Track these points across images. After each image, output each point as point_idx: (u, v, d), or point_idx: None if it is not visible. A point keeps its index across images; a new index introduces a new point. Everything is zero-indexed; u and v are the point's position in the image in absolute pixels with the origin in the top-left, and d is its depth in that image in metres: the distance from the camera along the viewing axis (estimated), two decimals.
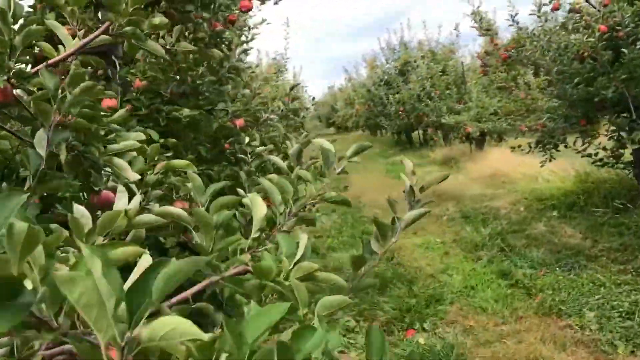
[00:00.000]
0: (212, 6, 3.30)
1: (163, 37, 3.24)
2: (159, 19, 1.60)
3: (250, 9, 3.56)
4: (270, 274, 0.95)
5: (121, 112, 1.75)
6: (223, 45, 3.63)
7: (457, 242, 5.88)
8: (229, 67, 3.37)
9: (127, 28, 1.53)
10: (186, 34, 3.38)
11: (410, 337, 3.76)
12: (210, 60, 3.39)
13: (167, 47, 1.72)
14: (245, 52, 3.51)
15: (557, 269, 4.61)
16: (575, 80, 5.23)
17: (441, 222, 6.93)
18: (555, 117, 6.05)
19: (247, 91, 3.69)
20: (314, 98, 8.53)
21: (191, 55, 3.25)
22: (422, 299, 4.33)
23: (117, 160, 1.53)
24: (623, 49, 4.89)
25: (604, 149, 5.74)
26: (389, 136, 20.76)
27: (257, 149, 2.13)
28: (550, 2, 5.45)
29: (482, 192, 8.33)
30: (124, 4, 1.43)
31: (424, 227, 6.77)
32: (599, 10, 5.20)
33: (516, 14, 5.88)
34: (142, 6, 1.55)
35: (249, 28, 5.05)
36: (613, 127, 5.50)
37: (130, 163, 1.67)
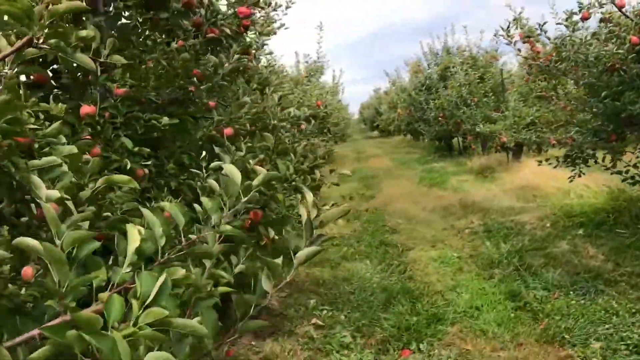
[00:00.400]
0: (206, 13, 3.26)
1: (164, 46, 3.23)
2: (86, 31, 1.55)
3: (248, 15, 3.51)
4: (94, 324, 0.86)
5: (55, 125, 1.71)
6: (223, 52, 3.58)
7: (474, 257, 5.67)
8: (223, 74, 3.32)
9: (52, 41, 1.48)
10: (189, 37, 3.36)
11: (404, 357, 3.63)
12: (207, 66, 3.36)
13: (104, 59, 1.67)
14: (242, 58, 3.44)
15: (572, 292, 4.37)
16: (603, 94, 4.97)
17: (462, 235, 6.71)
18: (584, 131, 5.76)
19: (247, 98, 3.62)
20: (326, 106, 8.45)
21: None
22: (424, 317, 4.18)
23: (33, 177, 1.49)
24: None
25: (635, 166, 5.44)
26: (429, 142, 20.40)
27: (213, 164, 2.06)
28: (580, 11, 5.18)
29: (511, 205, 8.05)
30: (37, 18, 1.38)
31: (444, 239, 6.59)
32: (632, 20, 4.93)
33: (544, 23, 5.62)
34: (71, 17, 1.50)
35: (259, 33, 5.01)
36: None
37: (57, 178, 1.63)
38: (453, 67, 13.50)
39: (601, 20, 5.20)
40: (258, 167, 2.87)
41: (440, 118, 15.45)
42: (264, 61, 7.04)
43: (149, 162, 2.73)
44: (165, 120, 2.73)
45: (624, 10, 5.03)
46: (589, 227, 6.07)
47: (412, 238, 6.83)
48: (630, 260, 4.81)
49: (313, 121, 4.99)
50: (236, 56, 3.40)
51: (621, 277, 4.50)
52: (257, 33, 6.83)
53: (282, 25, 7.04)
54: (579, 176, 6.15)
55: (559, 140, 6.46)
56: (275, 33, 7.49)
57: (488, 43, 15.80)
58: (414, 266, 5.63)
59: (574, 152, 6.02)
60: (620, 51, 4.76)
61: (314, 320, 4.40)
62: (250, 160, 2.85)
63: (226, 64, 3.34)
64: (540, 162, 6.36)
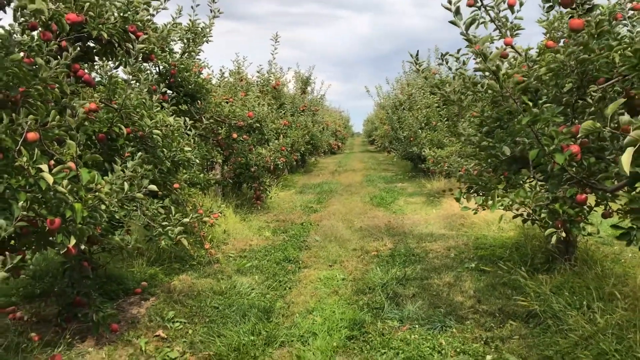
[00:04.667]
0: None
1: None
2: None
3: (33, 27, 3.50)
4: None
5: None
6: None
7: (357, 281, 5.63)
8: (41, 77, 3.32)
9: None
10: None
11: None
12: None
13: None
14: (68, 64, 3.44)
15: (421, 326, 4.32)
16: (484, 129, 4.95)
17: (365, 257, 6.67)
18: (484, 164, 5.73)
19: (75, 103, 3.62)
20: (259, 119, 8.59)
21: None
22: (262, 337, 4.14)
23: None
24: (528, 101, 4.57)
25: (523, 204, 5.38)
26: (405, 162, 20.34)
27: None
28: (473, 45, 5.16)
29: (433, 232, 8.01)
30: None
31: (345, 260, 6.55)
32: (520, 55, 4.91)
33: (446, 53, 5.60)
34: None
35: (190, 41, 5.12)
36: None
37: None
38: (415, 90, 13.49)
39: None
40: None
41: (411, 139, 15.43)
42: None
43: None
44: None
45: (514, 47, 5.01)
46: (483, 261, 6.03)
47: (317, 256, 6.79)
48: (494, 299, 4.76)
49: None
50: (63, 62, 3.40)
51: (473, 315, 4.45)
52: (188, 41, 6.83)
53: (206, 33, 7.10)
54: (483, 209, 6.10)
55: (467, 171, 6.41)
56: (207, 41, 7.53)
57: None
58: (296, 285, 5.60)
59: (477, 185, 5.98)
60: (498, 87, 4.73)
61: (158, 332, 4.38)
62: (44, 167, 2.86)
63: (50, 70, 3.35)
64: (444, 191, 6.33)
